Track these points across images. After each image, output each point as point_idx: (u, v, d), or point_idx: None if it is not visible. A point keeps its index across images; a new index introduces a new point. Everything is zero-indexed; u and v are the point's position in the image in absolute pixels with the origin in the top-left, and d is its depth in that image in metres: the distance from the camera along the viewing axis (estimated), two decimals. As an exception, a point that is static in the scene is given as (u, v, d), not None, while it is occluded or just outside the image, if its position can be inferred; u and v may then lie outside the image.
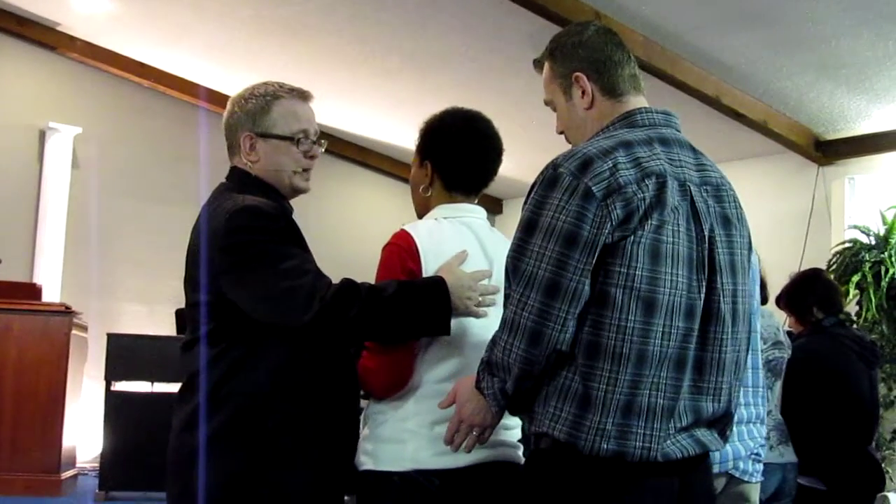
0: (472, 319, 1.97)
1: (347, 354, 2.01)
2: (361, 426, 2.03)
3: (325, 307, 1.85)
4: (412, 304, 1.89)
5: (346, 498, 2.05)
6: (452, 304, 1.91)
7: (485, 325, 1.97)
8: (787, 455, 3.40)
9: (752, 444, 2.90)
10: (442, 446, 1.87)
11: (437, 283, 1.92)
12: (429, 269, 1.97)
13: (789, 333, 4.08)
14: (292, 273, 1.89)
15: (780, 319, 3.87)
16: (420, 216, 2.15)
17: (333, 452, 1.99)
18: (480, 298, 1.96)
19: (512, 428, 2.03)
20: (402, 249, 1.99)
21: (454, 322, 1.92)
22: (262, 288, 1.91)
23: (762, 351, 3.32)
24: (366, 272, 2.03)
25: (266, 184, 2.09)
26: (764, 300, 3.47)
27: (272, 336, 1.92)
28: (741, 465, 2.86)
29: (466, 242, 2.03)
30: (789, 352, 3.48)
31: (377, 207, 8.40)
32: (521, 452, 2.06)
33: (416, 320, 1.91)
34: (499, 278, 1.99)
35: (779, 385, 3.46)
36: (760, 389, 3.00)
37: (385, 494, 1.93)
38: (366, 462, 1.97)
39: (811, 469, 3.57)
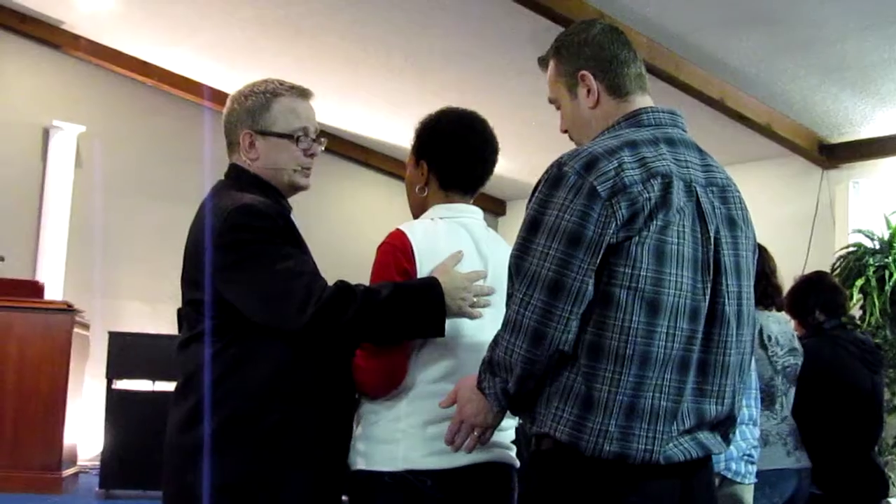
0: (466, 320, 1.96)
1: (345, 355, 2.00)
2: (354, 426, 2.02)
3: (320, 311, 1.84)
4: (407, 306, 1.88)
5: (343, 498, 2.03)
6: (447, 305, 1.90)
7: (479, 326, 1.97)
8: (803, 461, 3.39)
9: (744, 445, 2.91)
10: (434, 447, 1.87)
11: (432, 284, 1.91)
12: (423, 268, 1.96)
13: (792, 337, 4.05)
14: (287, 275, 1.88)
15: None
16: (416, 216, 2.15)
17: (332, 453, 1.98)
18: (475, 299, 1.95)
19: (506, 429, 2.02)
20: (396, 249, 1.98)
21: (448, 323, 1.91)
22: (257, 289, 1.90)
23: (779, 357, 3.31)
24: (366, 272, 2.03)
25: (265, 182, 2.08)
26: (780, 307, 3.45)
27: (270, 336, 1.90)
28: (733, 466, 2.87)
29: (462, 242, 2.03)
30: (802, 358, 3.46)
31: (378, 207, 8.39)
32: (514, 454, 2.06)
33: (411, 322, 1.90)
34: (494, 279, 1.99)
35: (793, 391, 3.44)
36: (753, 391, 3.00)
37: (376, 494, 1.92)
38: (358, 462, 1.97)
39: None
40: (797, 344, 3.43)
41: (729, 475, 2.85)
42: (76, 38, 7.23)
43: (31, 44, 7.19)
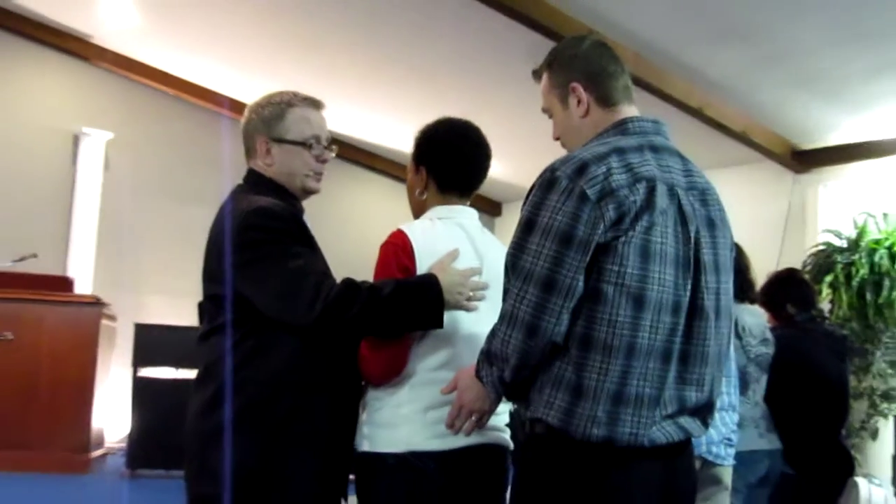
0: (462, 313, 1.96)
1: (351, 346, 2.00)
2: (360, 411, 2.02)
3: (328, 308, 1.84)
4: (408, 301, 1.89)
5: (350, 477, 2.03)
6: (445, 300, 1.90)
7: (475, 319, 1.97)
8: (775, 442, 3.40)
9: (724, 429, 2.91)
10: (434, 430, 1.88)
11: (431, 280, 1.91)
12: (423, 265, 1.97)
13: (765, 329, 4.05)
14: (298, 273, 1.88)
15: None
16: (416, 217, 2.16)
17: (339, 437, 1.98)
18: (471, 293, 1.95)
19: (500, 413, 2.02)
20: (397, 248, 1.98)
21: (446, 315, 1.92)
22: (270, 286, 1.90)
23: (752, 347, 3.32)
24: (371, 269, 2.02)
25: (280, 185, 2.09)
26: (753, 300, 3.46)
27: (282, 329, 1.91)
28: (714, 449, 2.88)
29: (458, 241, 2.03)
30: (773, 348, 3.47)
31: (384, 209, 8.36)
32: (508, 436, 2.06)
33: (412, 316, 1.90)
34: (488, 275, 2.00)
35: (765, 378, 3.45)
36: (732, 378, 3.01)
37: (381, 474, 1.93)
38: (363, 444, 1.97)
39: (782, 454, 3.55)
40: (769, 335, 3.44)
41: (710, 458, 2.85)
42: (104, 50, 7.24)
43: (63, 56, 7.20)
